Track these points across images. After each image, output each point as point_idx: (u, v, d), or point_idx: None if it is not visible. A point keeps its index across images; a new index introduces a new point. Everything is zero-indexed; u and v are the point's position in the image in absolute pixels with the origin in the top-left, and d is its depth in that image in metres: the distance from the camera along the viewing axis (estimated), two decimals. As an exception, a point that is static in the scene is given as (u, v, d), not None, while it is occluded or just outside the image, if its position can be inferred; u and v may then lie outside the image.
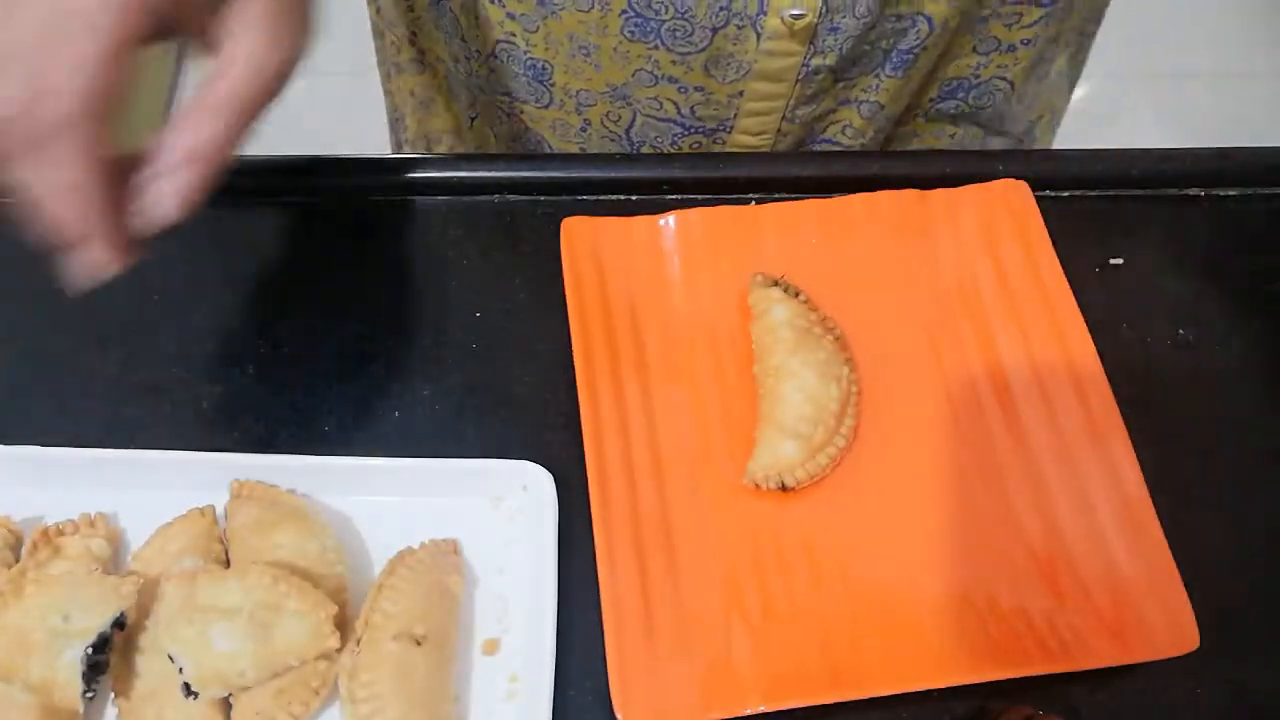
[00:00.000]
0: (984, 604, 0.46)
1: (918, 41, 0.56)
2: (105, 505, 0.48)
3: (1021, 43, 0.60)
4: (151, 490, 0.48)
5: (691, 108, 0.60)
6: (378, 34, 0.74)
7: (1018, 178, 0.56)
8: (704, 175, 0.58)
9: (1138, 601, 0.46)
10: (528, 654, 0.46)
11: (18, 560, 0.46)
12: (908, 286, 0.55)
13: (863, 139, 0.64)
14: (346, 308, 0.55)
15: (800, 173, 0.59)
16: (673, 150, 0.64)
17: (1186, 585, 0.45)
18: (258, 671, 0.42)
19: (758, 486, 0.49)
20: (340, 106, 1.73)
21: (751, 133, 0.62)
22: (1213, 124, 1.72)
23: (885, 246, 0.55)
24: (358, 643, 0.43)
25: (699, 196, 0.58)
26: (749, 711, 0.43)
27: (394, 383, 0.53)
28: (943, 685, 0.45)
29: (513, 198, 0.58)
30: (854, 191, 0.56)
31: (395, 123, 0.77)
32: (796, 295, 0.53)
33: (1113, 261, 0.57)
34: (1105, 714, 0.46)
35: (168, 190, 0.40)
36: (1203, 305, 0.56)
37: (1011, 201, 0.56)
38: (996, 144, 0.69)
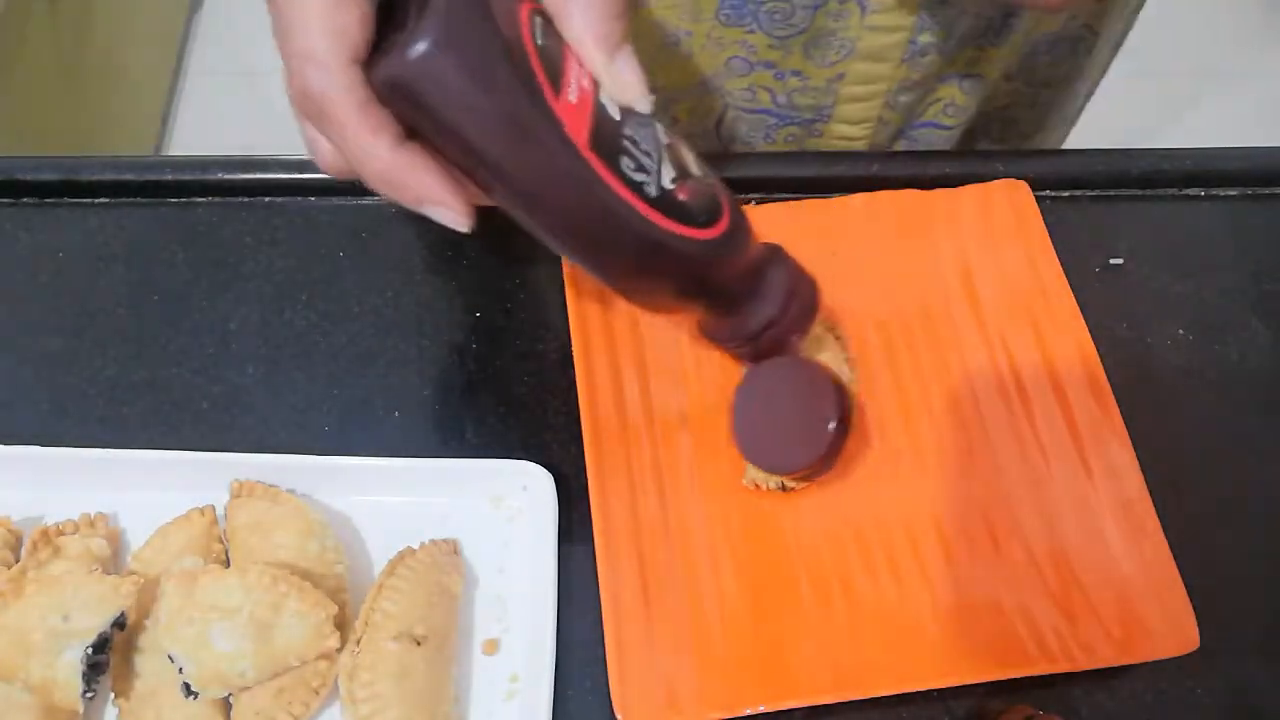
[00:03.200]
0: (984, 604, 0.46)
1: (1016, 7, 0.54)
2: (105, 505, 0.48)
3: None
4: (151, 490, 0.48)
5: (788, 95, 0.58)
6: None
7: (1018, 178, 0.56)
8: (704, 175, 0.58)
9: (1138, 601, 0.46)
10: (528, 654, 0.46)
11: (18, 560, 0.46)
12: (908, 287, 0.55)
13: (964, 117, 0.61)
14: (346, 308, 0.55)
15: (800, 173, 0.59)
16: (767, 146, 0.62)
17: (1186, 585, 0.45)
18: (258, 671, 0.42)
19: (758, 486, 0.49)
20: (340, 106, 1.73)
21: (851, 121, 0.60)
22: (1213, 124, 1.72)
23: (885, 246, 0.55)
24: (358, 643, 0.43)
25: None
26: (749, 711, 0.44)
27: (394, 383, 0.53)
28: (943, 685, 0.45)
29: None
30: (854, 191, 0.56)
31: None
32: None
33: (1113, 261, 0.57)
34: (1105, 714, 0.46)
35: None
36: (1203, 305, 0.56)
37: (1011, 201, 0.56)
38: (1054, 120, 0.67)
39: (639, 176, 0.35)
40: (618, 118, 0.35)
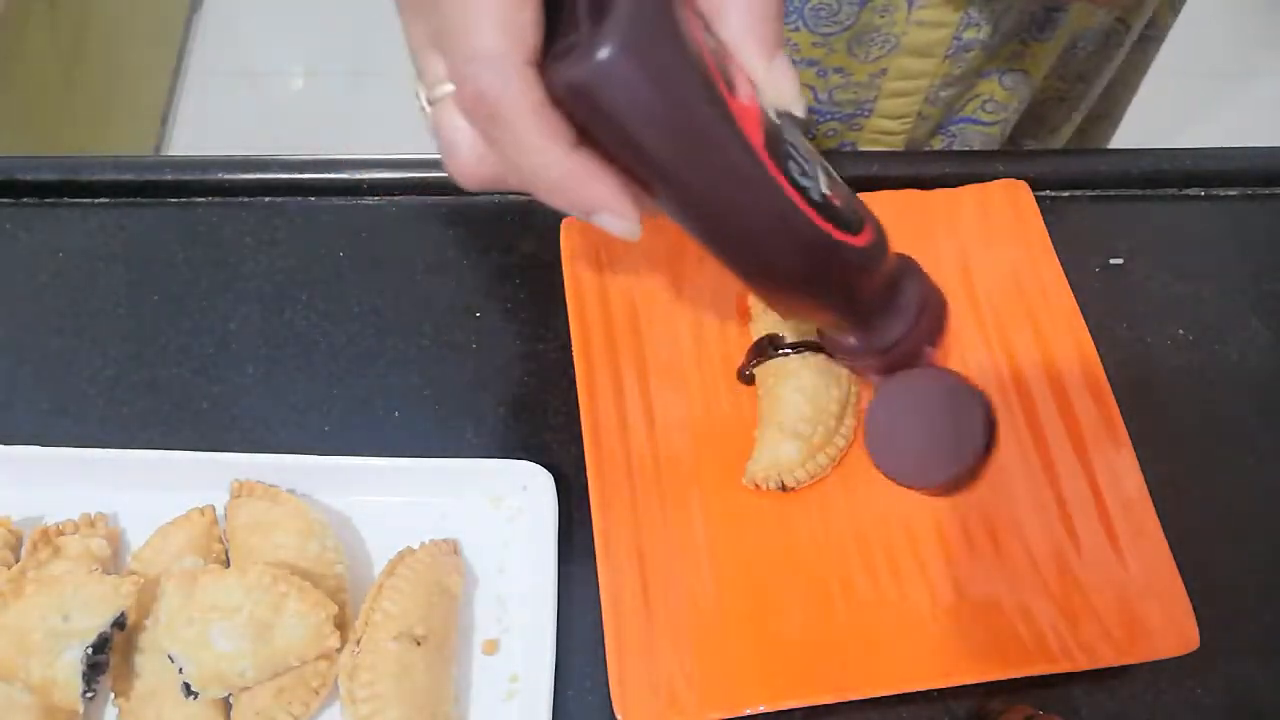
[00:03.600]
0: (984, 604, 0.46)
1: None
2: (105, 505, 0.48)
3: None
4: (151, 490, 0.48)
5: (830, 92, 0.58)
6: None
7: (1018, 178, 0.56)
8: (704, 175, 0.58)
9: (1138, 601, 0.46)
10: (528, 654, 0.46)
11: (18, 560, 0.46)
12: (908, 286, 0.55)
13: (1004, 114, 0.61)
14: (346, 308, 0.55)
15: (800, 173, 0.59)
16: (807, 140, 0.62)
17: (1186, 585, 0.45)
18: (258, 671, 0.42)
19: (758, 486, 0.49)
20: (340, 106, 1.73)
21: (892, 116, 0.59)
22: (1213, 124, 1.72)
23: (885, 246, 0.55)
24: (358, 643, 0.43)
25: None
26: (749, 711, 0.44)
27: (394, 383, 0.53)
28: (943, 685, 0.45)
29: (513, 197, 0.58)
30: (854, 191, 0.56)
31: None
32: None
33: (1113, 261, 0.57)
34: (1105, 714, 0.46)
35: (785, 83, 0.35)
36: (1203, 305, 0.56)
37: (1011, 201, 0.56)
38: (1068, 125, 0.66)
39: (804, 181, 0.35)
40: (777, 122, 0.34)
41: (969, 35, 0.54)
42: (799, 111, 0.35)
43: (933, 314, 0.44)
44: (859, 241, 0.38)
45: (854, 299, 0.41)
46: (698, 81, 0.31)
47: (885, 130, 0.61)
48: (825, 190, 0.36)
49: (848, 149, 0.64)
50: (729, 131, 0.32)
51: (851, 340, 0.43)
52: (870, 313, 0.42)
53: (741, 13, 0.33)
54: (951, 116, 0.61)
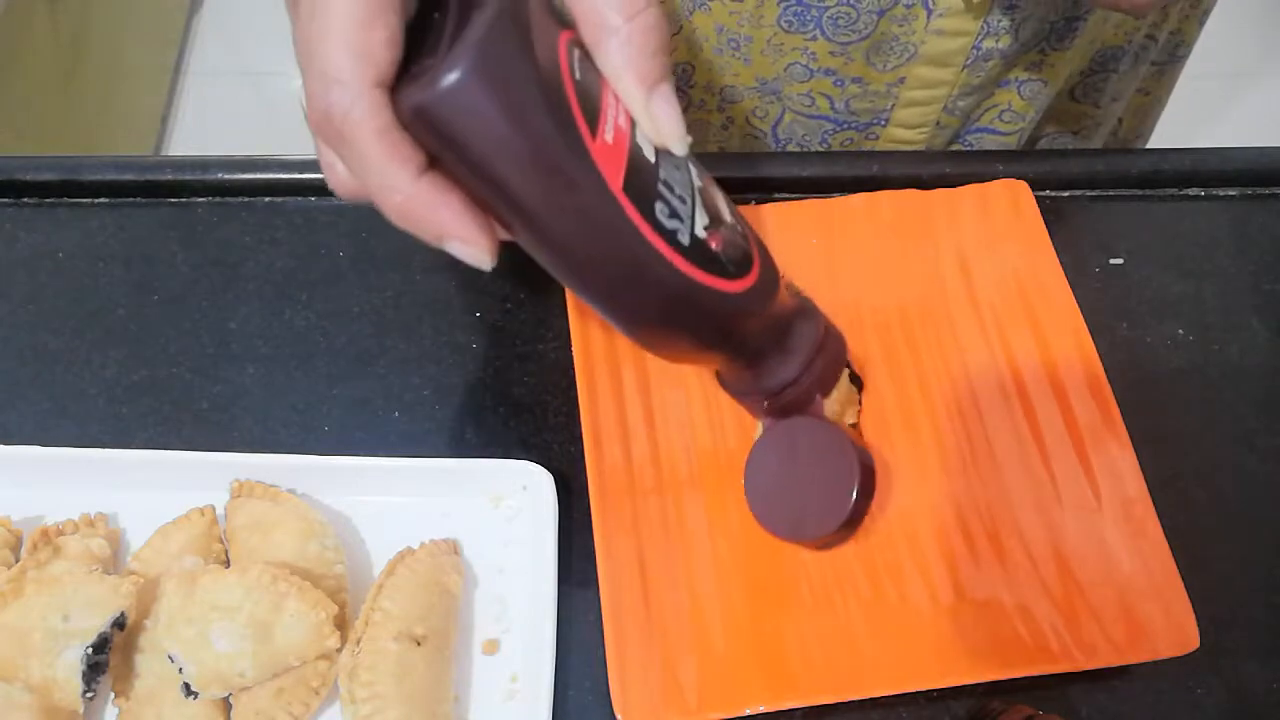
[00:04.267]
0: (984, 604, 0.46)
1: (1087, 7, 0.53)
2: (105, 505, 0.48)
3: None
4: (151, 490, 0.48)
5: (846, 101, 0.58)
6: None
7: (1018, 178, 0.56)
8: (704, 175, 0.58)
9: (1138, 601, 0.46)
10: (528, 654, 0.46)
11: (18, 560, 0.46)
12: (908, 286, 0.55)
13: (1022, 123, 0.60)
14: (346, 308, 0.55)
15: (800, 173, 0.59)
16: (821, 149, 0.61)
17: (1186, 585, 0.45)
18: (258, 671, 0.42)
19: (758, 486, 0.49)
20: (340, 106, 1.73)
21: (908, 125, 0.59)
22: (1213, 124, 1.72)
23: (885, 246, 0.55)
24: (358, 643, 0.43)
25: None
26: (749, 711, 0.44)
27: (394, 383, 0.53)
28: (943, 685, 0.45)
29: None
30: (854, 191, 0.56)
31: None
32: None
33: (1113, 261, 0.57)
34: (1105, 714, 0.46)
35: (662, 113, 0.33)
36: (1203, 305, 0.56)
37: (1011, 201, 0.56)
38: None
39: (672, 223, 0.33)
40: (653, 159, 0.33)
41: (988, 45, 0.54)
42: (678, 149, 0.34)
43: (829, 357, 0.42)
44: (737, 286, 0.36)
45: (730, 343, 0.39)
46: (548, 114, 0.30)
47: (902, 140, 0.61)
48: (700, 233, 0.34)
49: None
50: (580, 169, 0.31)
51: (740, 379, 0.42)
52: (755, 355, 0.40)
53: (621, 45, 0.32)
54: (969, 126, 0.61)
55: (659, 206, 0.33)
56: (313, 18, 0.30)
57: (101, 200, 0.58)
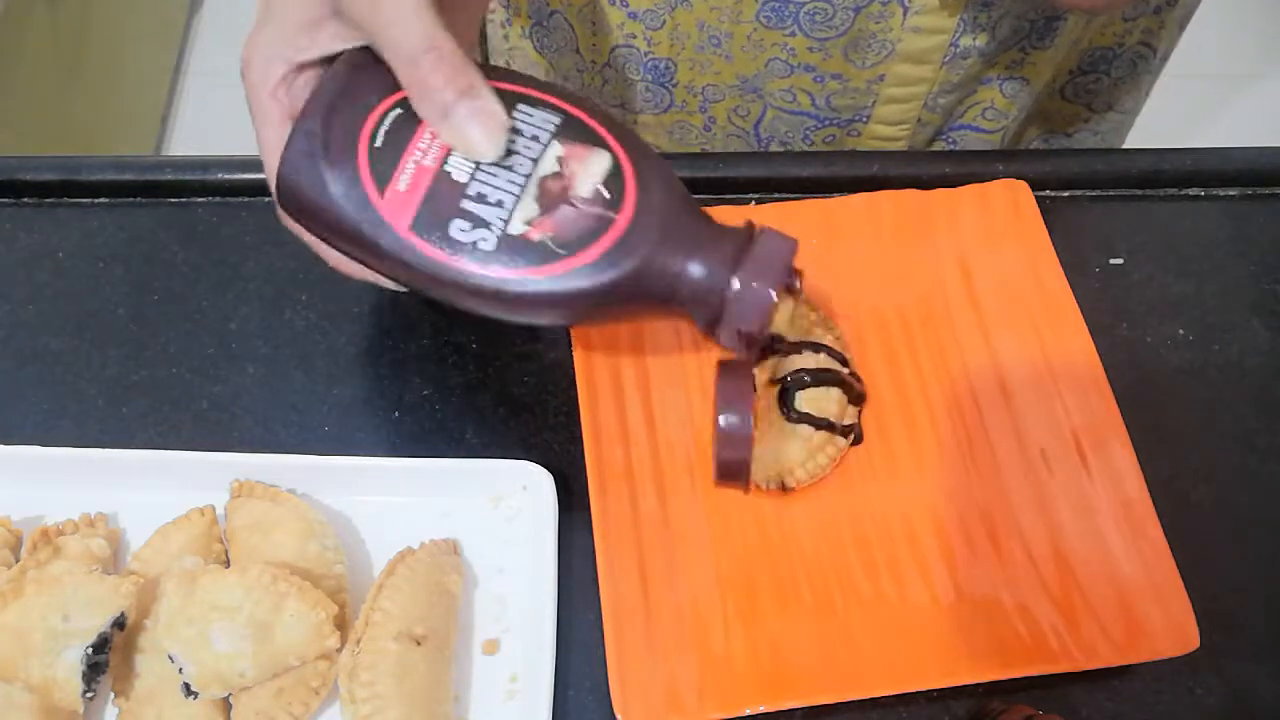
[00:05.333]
0: (984, 604, 0.46)
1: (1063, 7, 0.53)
2: (105, 505, 0.48)
3: (1167, 2, 0.57)
4: (151, 490, 0.48)
5: (827, 98, 0.58)
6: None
7: (1018, 178, 0.56)
8: (704, 175, 0.58)
9: (1138, 602, 0.46)
10: (528, 654, 0.46)
11: (18, 560, 0.46)
12: (908, 286, 0.55)
13: (1005, 120, 0.61)
14: (346, 308, 0.55)
15: (800, 173, 0.59)
16: (805, 147, 0.62)
17: (1186, 585, 0.45)
18: (258, 671, 0.42)
19: (758, 486, 0.49)
20: (340, 106, 1.73)
21: (889, 122, 0.60)
22: (1213, 124, 1.72)
23: (885, 246, 0.55)
24: (358, 643, 0.43)
25: (699, 196, 0.58)
26: (749, 711, 0.44)
27: (394, 383, 0.53)
28: (943, 685, 0.45)
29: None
30: (854, 191, 0.56)
31: None
32: (796, 295, 0.53)
33: (1113, 261, 0.57)
34: (1105, 714, 0.46)
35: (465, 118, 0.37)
36: (1203, 305, 0.56)
37: (1011, 201, 0.56)
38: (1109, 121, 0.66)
39: (472, 235, 0.37)
40: (465, 177, 0.37)
41: (965, 42, 0.54)
42: (488, 156, 0.37)
43: (761, 257, 0.40)
44: (570, 264, 0.38)
45: (609, 312, 0.41)
46: (338, 187, 0.38)
47: (883, 136, 0.61)
48: (517, 229, 0.38)
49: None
50: (367, 223, 0.38)
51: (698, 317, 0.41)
52: (665, 299, 0.40)
53: (417, 82, 0.36)
54: (951, 123, 0.61)
55: (457, 225, 0.37)
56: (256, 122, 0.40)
57: (101, 200, 0.58)
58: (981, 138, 0.62)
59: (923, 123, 0.60)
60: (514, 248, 0.37)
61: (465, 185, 0.38)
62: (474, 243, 0.37)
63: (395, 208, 0.38)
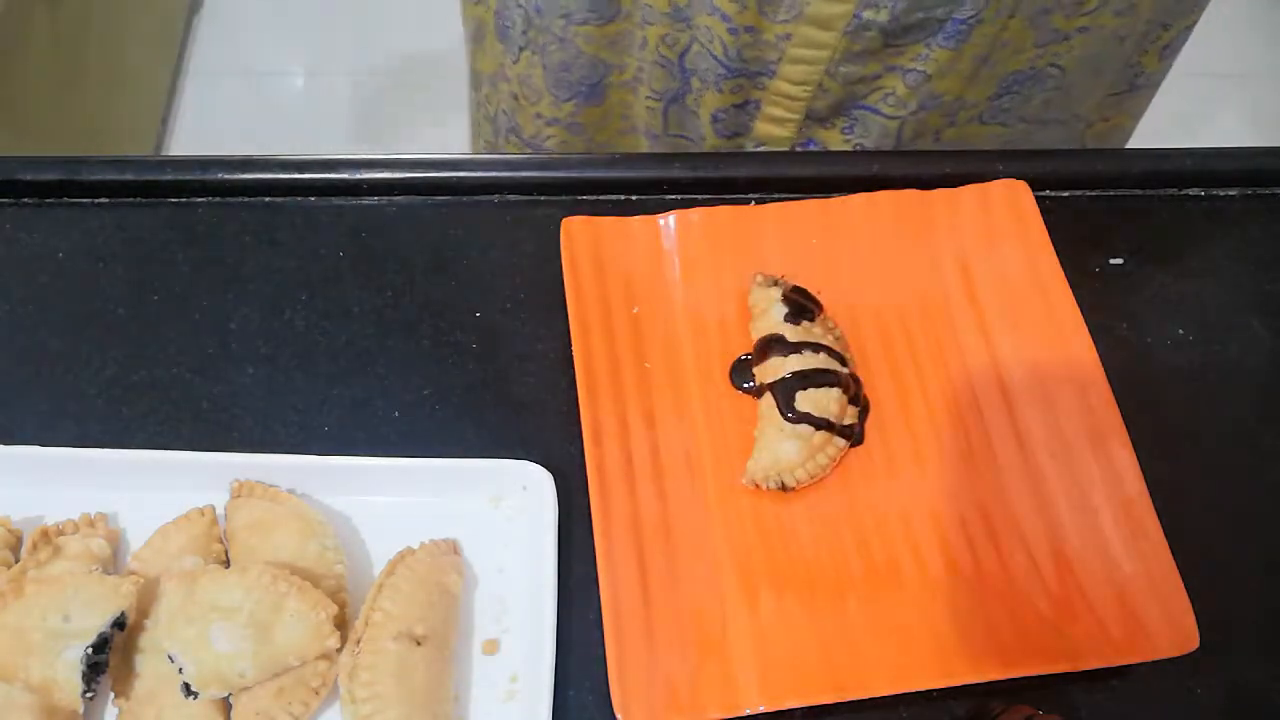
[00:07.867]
0: (984, 604, 0.46)
1: (974, 12, 0.55)
2: (105, 505, 0.48)
3: (1078, 30, 0.59)
4: (151, 490, 0.48)
5: (739, 49, 0.60)
6: None
7: (1018, 178, 0.56)
8: (704, 175, 0.58)
9: (1137, 601, 0.46)
10: (528, 654, 0.46)
11: (18, 560, 0.46)
12: (908, 286, 0.55)
13: (905, 110, 0.62)
14: (347, 308, 0.55)
15: (800, 173, 0.59)
16: (717, 93, 0.64)
17: (1186, 585, 0.45)
18: (258, 671, 0.42)
19: (758, 486, 0.49)
20: (340, 106, 1.73)
21: (793, 81, 0.61)
22: (1213, 124, 1.72)
23: (885, 246, 0.55)
24: (358, 643, 0.43)
25: (699, 196, 0.58)
26: (749, 711, 0.44)
27: (394, 383, 0.53)
28: (943, 685, 0.45)
29: (513, 198, 0.58)
30: (854, 191, 0.56)
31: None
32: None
33: (1113, 261, 0.57)
34: (1105, 714, 0.46)
35: None
36: (1203, 305, 0.56)
37: (1011, 201, 0.56)
38: (1045, 136, 0.67)
39: None
40: None
41: (868, 15, 0.56)
42: None
43: None
44: None
45: None
46: None
47: (786, 94, 0.63)
48: None
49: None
50: None
51: None
52: None
53: None
54: (854, 100, 0.63)
55: None
56: None
57: (101, 200, 0.58)
58: (880, 121, 0.64)
59: (824, 88, 0.62)
60: None
61: None
62: None
63: None
